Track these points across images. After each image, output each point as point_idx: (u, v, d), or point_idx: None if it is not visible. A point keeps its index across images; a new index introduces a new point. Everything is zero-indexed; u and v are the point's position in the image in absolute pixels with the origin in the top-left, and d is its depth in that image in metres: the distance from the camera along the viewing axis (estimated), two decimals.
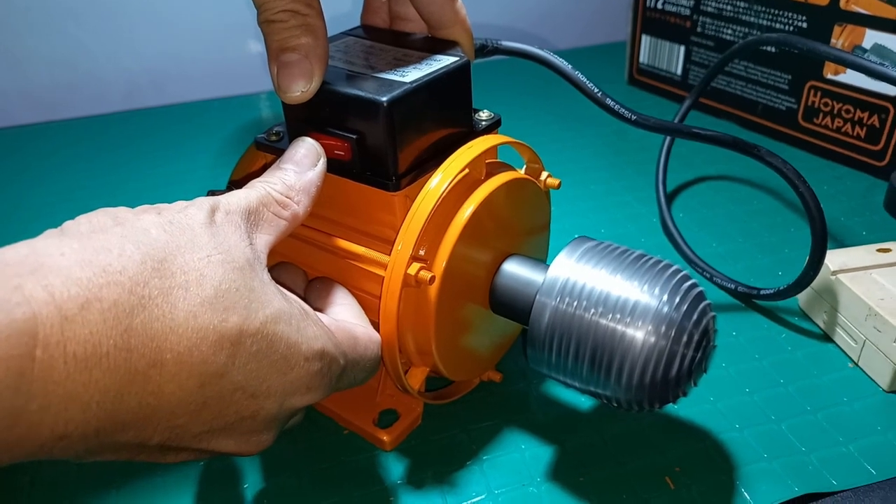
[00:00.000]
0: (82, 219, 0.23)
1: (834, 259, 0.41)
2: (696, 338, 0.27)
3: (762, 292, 0.42)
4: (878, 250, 0.43)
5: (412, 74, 0.30)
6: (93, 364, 0.19)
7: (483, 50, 0.38)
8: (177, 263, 0.21)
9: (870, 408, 0.36)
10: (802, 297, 0.43)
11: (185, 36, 0.75)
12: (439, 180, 0.30)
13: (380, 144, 0.29)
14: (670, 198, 0.55)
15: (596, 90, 0.37)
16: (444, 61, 0.31)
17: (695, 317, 0.27)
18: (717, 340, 0.40)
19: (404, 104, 0.28)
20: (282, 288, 0.25)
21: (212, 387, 0.21)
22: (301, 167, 0.28)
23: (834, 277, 0.40)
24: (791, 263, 0.47)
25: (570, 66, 0.37)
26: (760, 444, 0.34)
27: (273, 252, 0.35)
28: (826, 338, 0.41)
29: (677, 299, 0.27)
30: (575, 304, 0.28)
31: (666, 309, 0.27)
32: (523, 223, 0.35)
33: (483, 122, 0.34)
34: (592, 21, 0.87)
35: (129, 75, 0.75)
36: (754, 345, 0.40)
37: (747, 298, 0.44)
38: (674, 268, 0.29)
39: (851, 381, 0.38)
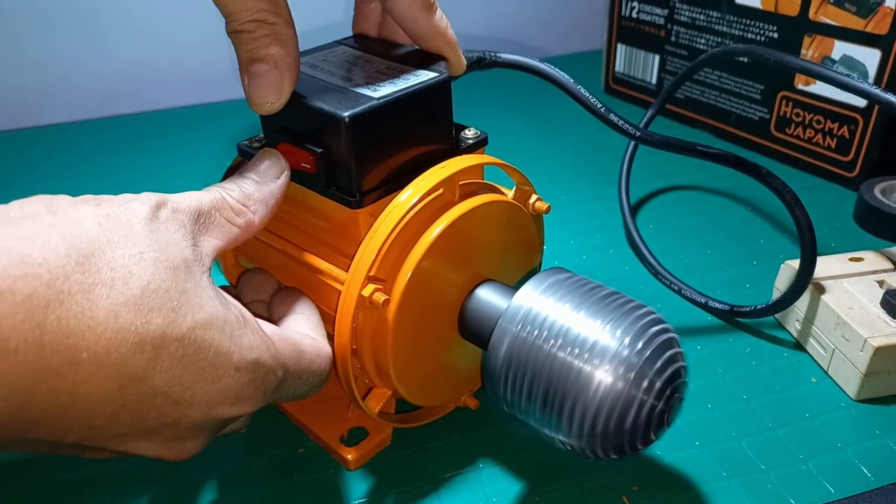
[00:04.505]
0: (15, 204, 0.22)
1: None
2: (657, 385, 0.26)
3: (737, 309, 0.42)
4: (851, 259, 0.42)
5: (385, 90, 0.29)
6: None
7: (481, 62, 0.37)
8: (104, 259, 0.21)
9: (832, 423, 0.36)
10: None
11: (161, 41, 0.74)
12: (404, 199, 0.29)
13: (343, 160, 0.28)
14: (639, 208, 0.55)
15: (599, 105, 0.36)
16: (422, 77, 0.30)
17: (658, 364, 0.26)
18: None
19: (368, 120, 0.28)
20: (225, 294, 0.24)
21: (131, 390, 0.21)
22: (263, 178, 0.28)
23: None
24: (758, 276, 0.46)
25: (571, 80, 0.36)
26: (719, 462, 0.33)
27: (251, 258, 0.35)
28: (799, 347, 0.41)
29: (640, 343, 0.26)
30: (535, 333, 0.27)
31: (626, 352, 0.26)
32: (504, 248, 0.34)
33: (469, 141, 0.33)
34: (570, 29, 0.87)
35: (103, 81, 0.74)
36: (718, 358, 0.40)
37: (721, 314, 0.43)
38: (644, 310, 0.27)
39: (815, 394, 0.37)
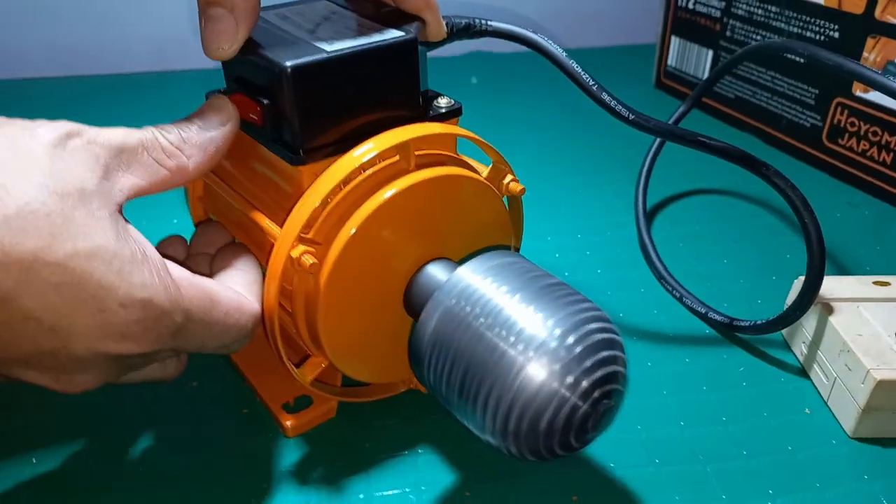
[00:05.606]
0: None
1: (822, 285, 0.36)
2: (583, 385, 0.23)
3: (736, 323, 0.38)
4: (875, 283, 0.38)
5: (341, 44, 0.28)
6: None
7: (469, 29, 0.35)
8: None
9: (817, 459, 0.32)
10: None
11: None
12: (348, 160, 0.28)
13: (286, 113, 0.27)
14: (661, 208, 0.51)
15: (591, 82, 0.33)
16: (386, 35, 0.29)
17: (588, 362, 0.23)
18: (668, 367, 0.37)
19: (313, 73, 0.27)
20: (132, 231, 0.24)
21: None
22: (207, 124, 0.27)
23: (816, 305, 0.36)
24: (774, 291, 0.42)
25: (564, 54, 0.33)
26: (675, 485, 0.30)
27: (214, 212, 0.35)
28: (803, 373, 0.37)
29: (571, 338, 0.24)
30: (468, 309, 0.25)
31: (554, 343, 0.23)
32: (467, 227, 0.31)
33: (440, 109, 0.32)
34: (623, 20, 0.82)
35: (154, 36, 0.76)
36: (705, 374, 0.37)
37: (720, 328, 0.40)
38: (586, 305, 0.25)
39: (805, 426, 0.34)
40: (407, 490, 0.30)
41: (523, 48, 0.35)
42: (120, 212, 0.23)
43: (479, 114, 0.58)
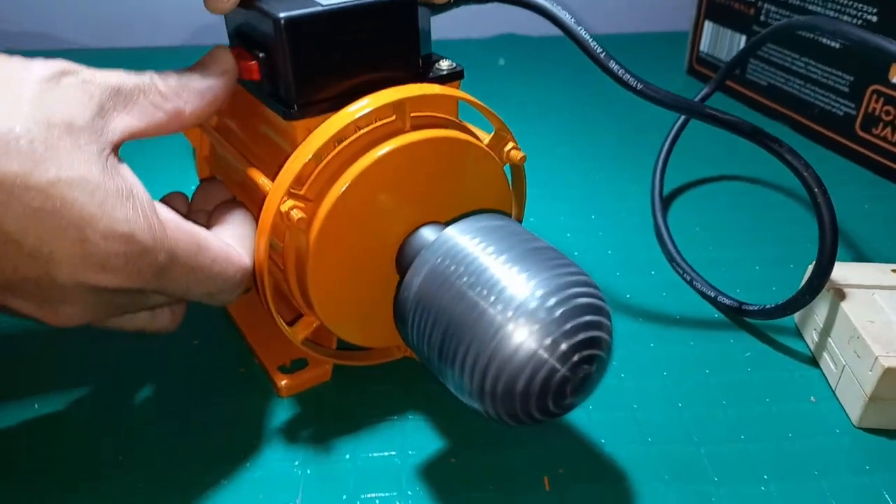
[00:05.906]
0: None
1: (836, 271, 0.34)
2: (562, 347, 0.23)
3: (745, 307, 0.37)
4: (894, 270, 0.36)
5: (340, 1, 0.28)
6: None
7: None
8: None
9: (818, 447, 0.31)
10: (797, 312, 0.37)
11: None
12: (342, 116, 0.28)
13: (280, 67, 0.27)
14: (680, 193, 0.50)
15: (600, 50, 0.32)
16: None
17: (569, 325, 0.23)
18: (671, 349, 0.36)
19: (307, 26, 0.27)
20: (124, 170, 0.24)
21: None
22: (206, 72, 0.28)
23: (829, 291, 0.35)
24: (790, 280, 0.41)
25: (573, 20, 0.33)
26: (665, 464, 0.30)
27: (217, 170, 0.35)
28: (813, 362, 0.36)
29: (553, 300, 0.23)
30: (452, 268, 0.25)
31: (534, 304, 0.23)
32: (464, 193, 0.31)
33: (441, 71, 0.31)
34: (659, 6, 0.81)
35: (189, 10, 0.77)
36: (709, 357, 0.36)
37: (729, 312, 0.39)
38: (572, 269, 0.25)
39: (809, 414, 0.32)
40: (393, 453, 0.30)
41: (554, 32, 0.34)
42: (115, 151, 0.24)
43: (502, 94, 0.58)
